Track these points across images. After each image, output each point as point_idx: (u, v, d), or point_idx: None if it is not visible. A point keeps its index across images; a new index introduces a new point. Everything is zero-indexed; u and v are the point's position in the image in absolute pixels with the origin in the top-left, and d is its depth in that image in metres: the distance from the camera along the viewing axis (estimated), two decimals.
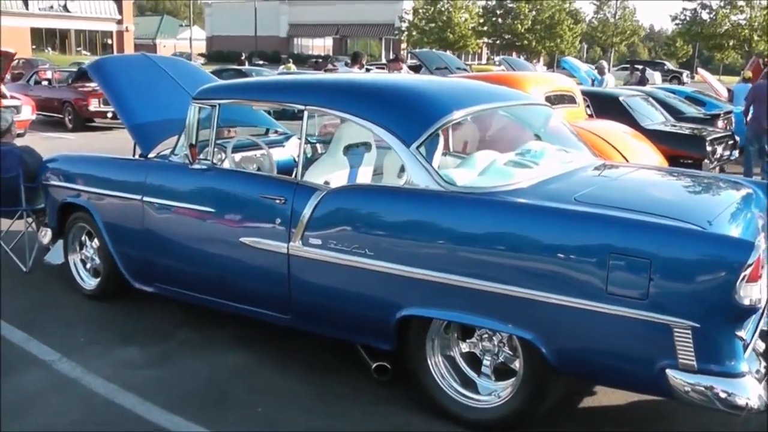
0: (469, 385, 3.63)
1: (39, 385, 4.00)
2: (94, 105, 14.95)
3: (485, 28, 44.83)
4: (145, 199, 4.60)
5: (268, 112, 6.17)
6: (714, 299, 2.88)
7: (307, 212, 3.78)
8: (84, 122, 15.39)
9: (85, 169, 5.27)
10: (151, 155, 4.96)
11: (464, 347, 3.67)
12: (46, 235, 5.59)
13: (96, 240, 5.18)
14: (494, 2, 44.44)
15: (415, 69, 12.76)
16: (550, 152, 4.20)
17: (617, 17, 49.71)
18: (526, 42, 41.42)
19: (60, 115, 15.74)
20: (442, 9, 46.37)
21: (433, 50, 13.10)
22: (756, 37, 28.65)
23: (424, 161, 3.59)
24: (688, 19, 32.38)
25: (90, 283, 5.33)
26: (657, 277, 2.92)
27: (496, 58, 14.81)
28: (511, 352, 3.52)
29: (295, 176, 4.03)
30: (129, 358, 4.35)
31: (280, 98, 4.46)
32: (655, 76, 30.23)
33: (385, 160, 4.37)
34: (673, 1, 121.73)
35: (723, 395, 2.92)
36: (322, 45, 60.34)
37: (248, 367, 4.25)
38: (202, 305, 4.64)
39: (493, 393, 3.56)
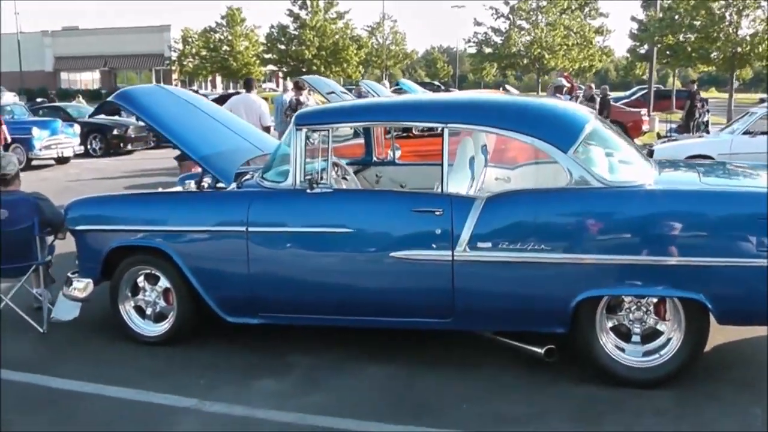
0: (624, 351, 4.19)
1: (213, 429, 3.88)
2: None
3: (271, 55, 45.25)
4: (252, 230, 4.54)
5: None
6: None
7: (471, 219, 4.11)
8: None
9: (152, 209, 5.02)
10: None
11: (611, 322, 4.21)
12: (86, 288, 5.11)
13: (162, 282, 4.95)
14: (276, 30, 45.01)
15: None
16: (623, 152, 4.88)
17: (389, 42, 52.91)
18: (314, 67, 42.48)
19: None
20: (222, 38, 46.17)
21: (317, 76, 13.40)
22: (547, 55, 32.25)
23: (583, 163, 4.11)
24: (481, 40, 35.50)
25: (153, 329, 5.04)
26: None
27: (361, 82, 15.49)
28: (656, 317, 4.16)
29: (442, 189, 4.32)
30: (278, 390, 4.30)
31: (414, 118, 4.71)
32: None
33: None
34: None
35: None
36: (90, 79, 56.90)
37: (405, 376, 4.43)
38: (326, 326, 4.74)
39: (653, 354, 4.14)
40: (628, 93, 39.35)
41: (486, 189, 5.24)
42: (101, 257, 5.02)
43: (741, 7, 20.99)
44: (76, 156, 16.96)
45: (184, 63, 48.33)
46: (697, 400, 3.96)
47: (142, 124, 19.21)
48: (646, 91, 34.48)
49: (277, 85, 52.96)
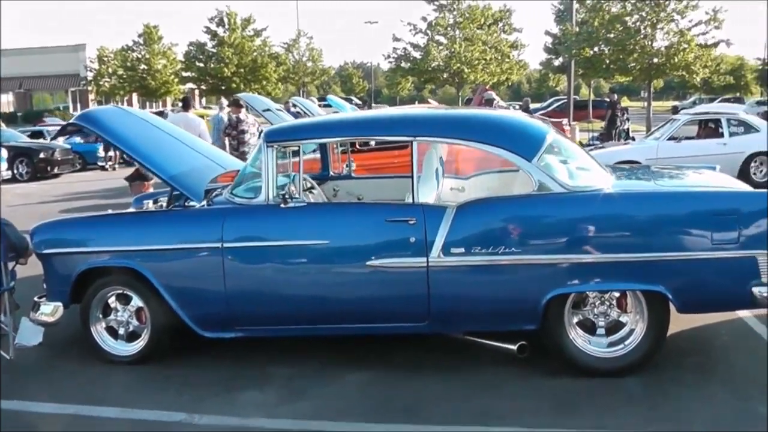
0: (592, 344, 4.49)
1: None
2: None
3: (190, 73, 44.60)
4: (227, 246, 4.62)
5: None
6: None
7: (444, 226, 4.33)
8: None
9: (124, 229, 5.02)
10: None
11: (576, 317, 4.51)
12: (55, 312, 5.08)
13: (135, 302, 4.96)
14: (194, 48, 44.43)
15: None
16: (580, 160, 5.20)
17: (306, 58, 52.99)
18: (233, 85, 42.15)
19: None
20: (139, 56, 45.32)
21: (253, 94, 13.39)
22: (466, 70, 32.97)
23: (546, 171, 4.39)
24: (400, 56, 35.98)
25: (126, 349, 5.04)
26: (743, 226, 4.18)
27: (292, 99, 15.68)
28: (619, 310, 4.49)
29: (413, 199, 4.53)
30: (264, 400, 4.41)
31: (383, 133, 4.91)
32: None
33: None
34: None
35: None
36: (5, 101, 54.57)
37: (384, 380, 4.60)
38: (303, 336, 4.86)
39: (618, 345, 4.45)
40: (545, 104, 40.77)
41: (443, 199, 5.48)
42: (71, 280, 4.99)
43: (655, 21, 22.17)
44: (4, 181, 16.40)
45: (101, 83, 47.18)
46: (663, 386, 4.28)
47: (68, 146, 19.13)
48: (561, 101, 35.79)
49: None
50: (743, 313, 5.30)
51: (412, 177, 4.54)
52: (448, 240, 4.32)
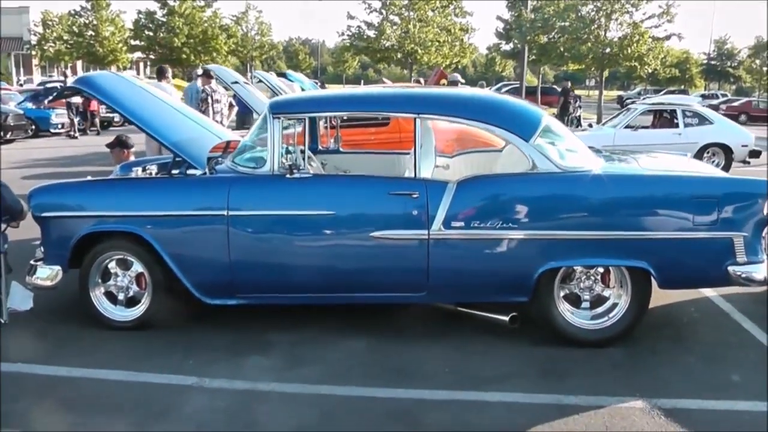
0: (578, 316, 4.81)
1: (223, 404, 4.04)
2: None
3: (140, 42, 43.60)
4: (232, 214, 4.75)
5: None
6: (754, 216, 4.60)
7: (445, 201, 4.57)
8: None
9: (128, 194, 5.07)
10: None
11: (563, 291, 4.82)
12: (54, 276, 5.12)
13: (135, 267, 5.05)
14: (143, 16, 43.41)
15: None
16: (570, 142, 5.47)
17: (255, 32, 52.35)
18: (183, 56, 41.51)
19: None
20: (87, 22, 44.06)
21: (221, 66, 13.29)
22: (420, 51, 33.16)
23: (542, 150, 4.67)
24: (354, 34, 35.91)
25: (125, 314, 5.12)
26: (722, 209, 4.56)
27: (255, 73, 15.71)
28: (603, 285, 4.82)
29: (415, 173, 4.74)
30: (268, 365, 4.56)
31: (388, 109, 5.10)
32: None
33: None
34: None
35: (757, 276, 4.63)
36: None
37: (380, 347, 4.83)
38: (303, 304, 5.05)
39: (602, 317, 4.79)
40: (493, 89, 41.36)
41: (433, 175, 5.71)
42: (71, 244, 5.02)
43: (609, 12, 22.83)
44: None
45: (45, 47, 45.67)
46: (642, 355, 4.65)
47: (21, 111, 18.61)
48: (509, 87, 36.39)
49: (138, 73, 51.01)
50: (709, 292, 5.74)
51: (414, 153, 4.75)
52: (448, 214, 4.56)
